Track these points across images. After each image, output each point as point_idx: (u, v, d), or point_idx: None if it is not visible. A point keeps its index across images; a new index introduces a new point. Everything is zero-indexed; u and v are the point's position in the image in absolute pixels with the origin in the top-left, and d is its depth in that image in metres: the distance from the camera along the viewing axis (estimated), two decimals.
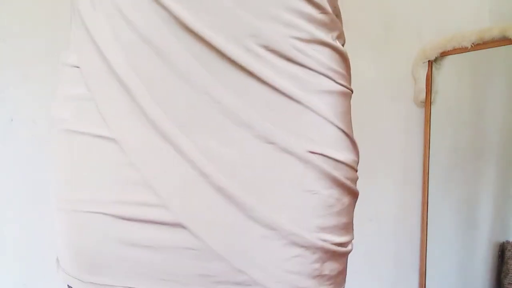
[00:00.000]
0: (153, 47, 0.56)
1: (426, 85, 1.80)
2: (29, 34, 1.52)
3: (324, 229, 0.59)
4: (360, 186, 1.85)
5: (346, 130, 0.62)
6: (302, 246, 0.57)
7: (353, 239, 0.66)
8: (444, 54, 1.80)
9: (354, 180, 0.65)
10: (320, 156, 0.58)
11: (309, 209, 0.58)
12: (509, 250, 1.70)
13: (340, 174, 0.60)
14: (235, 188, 0.55)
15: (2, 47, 1.52)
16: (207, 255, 0.56)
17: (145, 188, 0.55)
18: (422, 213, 1.80)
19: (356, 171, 0.65)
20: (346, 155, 0.61)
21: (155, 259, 0.56)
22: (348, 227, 0.64)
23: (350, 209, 0.64)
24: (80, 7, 0.61)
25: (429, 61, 1.81)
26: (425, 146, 1.80)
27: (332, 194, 0.60)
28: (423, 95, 1.80)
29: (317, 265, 0.58)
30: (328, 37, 0.61)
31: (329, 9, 0.61)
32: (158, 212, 0.55)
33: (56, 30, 1.44)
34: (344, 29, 1.75)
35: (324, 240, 0.59)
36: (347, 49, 1.84)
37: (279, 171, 0.56)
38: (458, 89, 1.86)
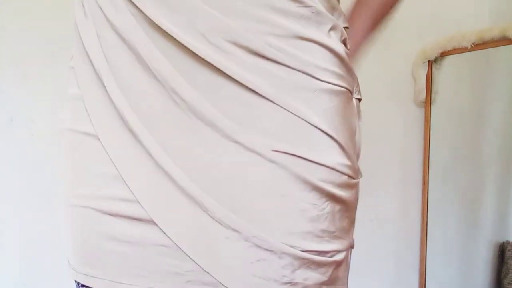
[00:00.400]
0: (130, 47, 0.57)
1: (426, 85, 1.80)
2: (29, 34, 1.52)
3: (293, 234, 0.55)
4: (360, 186, 1.85)
5: (328, 129, 0.57)
6: (267, 250, 0.55)
7: (345, 249, 0.63)
8: (444, 54, 1.80)
9: (343, 185, 0.60)
10: (290, 156, 0.55)
11: (275, 212, 0.55)
12: (509, 250, 1.69)
13: (316, 177, 0.56)
14: (196, 189, 0.54)
15: (2, 47, 1.52)
16: (177, 254, 0.55)
17: (122, 184, 0.57)
18: (422, 213, 1.80)
19: (348, 175, 0.60)
20: (327, 157, 0.57)
21: (133, 254, 0.57)
22: (332, 235, 0.59)
23: (334, 216, 0.59)
24: (75, 13, 0.64)
25: (429, 61, 1.81)
26: (425, 146, 1.80)
27: (304, 198, 0.56)
28: (423, 95, 1.80)
29: (286, 272, 0.55)
30: (312, 32, 0.57)
31: (310, 2, 0.57)
32: (133, 208, 0.56)
33: (56, 30, 1.44)
34: None
35: (292, 246, 0.55)
36: None
37: (245, 171, 0.55)
38: (458, 89, 1.86)
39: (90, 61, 0.59)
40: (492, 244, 1.77)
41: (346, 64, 0.62)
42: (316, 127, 0.56)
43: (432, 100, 1.80)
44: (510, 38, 1.65)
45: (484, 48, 1.74)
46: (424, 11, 1.86)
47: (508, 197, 1.77)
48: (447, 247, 1.84)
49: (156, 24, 0.55)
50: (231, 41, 0.54)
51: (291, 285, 0.56)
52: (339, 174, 0.58)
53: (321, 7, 0.59)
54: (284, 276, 0.55)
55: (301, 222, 0.56)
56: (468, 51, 1.75)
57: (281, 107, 0.55)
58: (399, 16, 1.84)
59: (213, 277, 0.55)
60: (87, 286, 0.59)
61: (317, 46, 0.58)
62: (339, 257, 0.60)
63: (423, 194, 1.80)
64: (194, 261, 0.55)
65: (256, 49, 0.55)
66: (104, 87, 0.58)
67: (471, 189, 1.82)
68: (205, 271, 0.55)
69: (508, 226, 1.76)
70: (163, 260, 0.56)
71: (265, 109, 0.55)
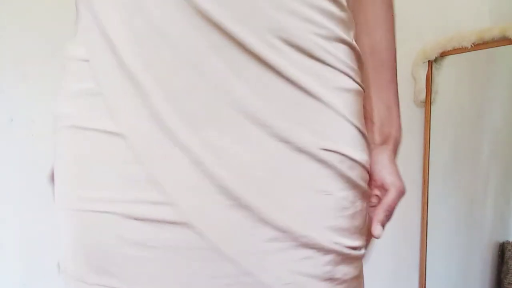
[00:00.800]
0: (167, 38, 0.53)
1: (426, 85, 1.80)
2: (29, 34, 1.52)
3: (336, 231, 0.57)
4: None
5: (362, 128, 0.60)
6: (313, 248, 0.55)
7: (365, 243, 0.64)
8: (444, 54, 1.79)
9: (367, 181, 0.62)
10: (336, 155, 0.56)
11: (321, 211, 0.56)
12: (509, 250, 1.70)
13: (355, 175, 0.58)
14: (243, 190, 0.53)
15: (2, 47, 1.52)
16: (215, 256, 0.54)
17: (151, 185, 0.54)
18: (422, 213, 1.80)
19: (368, 172, 0.63)
20: (361, 155, 0.59)
21: (163, 260, 0.54)
22: (361, 231, 0.61)
23: (363, 213, 0.61)
24: None
25: (429, 61, 1.81)
26: (425, 146, 1.80)
27: (346, 196, 0.58)
28: (423, 95, 1.80)
29: (328, 268, 0.56)
30: (346, 35, 0.60)
31: (347, 7, 0.61)
32: (166, 210, 0.53)
33: (56, 30, 1.44)
34: None
35: (336, 243, 0.56)
36: None
37: (292, 170, 0.54)
38: (458, 89, 1.86)
39: (115, 52, 0.55)
40: (492, 244, 1.77)
41: (363, 67, 0.65)
42: (355, 126, 0.59)
43: (432, 100, 1.80)
44: (510, 38, 1.64)
45: (484, 48, 1.73)
46: (424, 11, 1.86)
47: (508, 197, 1.77)
48: (447, 247, 1.84)
49: (205, 15, 0.52)
50: (283, 38, 0.54)
51: (331, 280, 0.56)
52: (366, 171, 0.61)
53: (350, 13, 0.62)
54: (326, 272, 0.56)
55: (343, 219, 0.57)
56: (468, 51, 1.74)
57: (329, 106, 0.56)
58: (399, 16, 1.84)
59: (257, 277, 0.54)
60: None
61: (350, 49, 0.60)
62: (364, 251, 0.63)
63: (423, 194, 1.80)
64: (237, 262, 0.53)
65: (305, 48, 0.55)
66: (134, 83, 0.54)
67: (471, 189, 1.82)
68: (248, 272, 0.54)
69: (508, 226, 1.77)
70: (196, 264, 0.54)
71: (313, 108, 0.55)
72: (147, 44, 0.54)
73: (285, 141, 0.54)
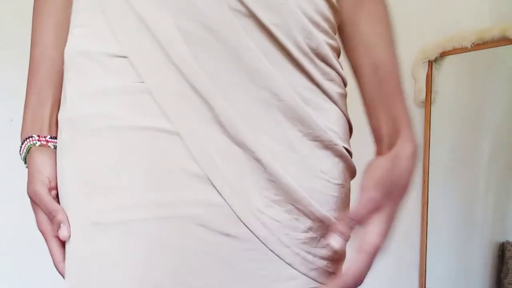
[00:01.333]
0: (218, 38, 0.54)
1: (426, 85, 1.80)
2: (29, 34, 1.52)
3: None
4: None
5: (352, 127, 0.68)
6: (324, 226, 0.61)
7: None
8: (444, 54, 1.80)
9: None
10: (347, 152, 0.63)
11: (339, 201, 0.62)
12: (509, 250, 1.70)
13: (354, 167, 0.66)
14: (294, 186, 0.56)
15: (2, 47, 1.52)
16: (264, 255, 0.56)
17: (208, 185, 0.54)
18: (422, 213, 1.80)
19: None
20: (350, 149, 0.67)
21: (220, 262, 0.55)
22: None
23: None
24: None
25: (429, 61, 1.81)
26: (425, 146, 1.80)
27: (349, 187, 0.65)
28: (423, 95, 1.80)
29: (339, 251, 0.62)
30: (339, 44, 0.66)
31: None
32: (221, 211, 0.54)
33: None
34: None
35: None
36: None
37: (321, 166, 0.59)
38: (458, 89, 1.86)
39: (160, 44, 0.54)
40: (492, 244, 1.77)
41: None
42: (350, 125, 0.67)
43: (432, 100, 1.80)
44: (510, 38, 1.65)
45: (484, 48, 1.74)
46: (424, 11, 1.86)
47: (508, 197, 1.77)
48: (447, 247, 1.84)
49: (258, 19, 0.55)
50: (311, 47, 0.59)
51: (340, 260, 0.63)
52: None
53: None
54: (338, 253, 0.62)
55: (346, 207, 0.64)
56: (468, 51, 1.75)
57: (339, 108, 0.63)
58: (399, 16, 1.84)
59: (295, 269, 0.57)
60: None
61: (337, 55, 0.65)
62: None
63: (423, 194, 1.80)
64: (280, 257, 0.56)
65: (324, 55, 0.60)
66: (186, 81, 0.54)
67: (471, 189, 1.82)
68: (288, 264, 0.57)
69: (508, 226, 1.77)
70: (249, 265, 0.55)
71: (331, 110, 0.61)
72: (197, 43, 0.55)
73: (317, 140, 0.59)
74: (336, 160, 0.61)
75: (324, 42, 0.60)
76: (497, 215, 1.79)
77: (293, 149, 0.57)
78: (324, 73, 0.60)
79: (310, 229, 0.58)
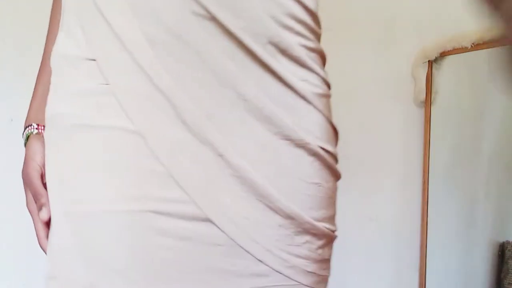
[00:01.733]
0: (182, 41, 0.57)
1: (426, 85, 1.80)
2: (29, 34, 1.52)
3: (327, 218, 0.65)
4: (360, 186, 1.86)
5: (335, 127, 0.69)
6: (311, 233, 0.62)
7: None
8: (444, 54, 1.79)
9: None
10: (323, 151, 0.64)
11: (317, 200, 0.63)
12: (509, 250, 1.70)
13: (336, 166, 0.67)
14: (261, 181, 0.58)
15: (2, 47, 1.52)
16: (233, 251, 0.58)
17: (171, 182, 0.56)
18: (422, 213, 1.80)
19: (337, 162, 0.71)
20: (335, 149, 0.68)
21: (183, 256, 0.57)
22: (335, 216, 0.70)
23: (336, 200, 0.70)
24: None
25: (429, 61, 1.81)
26: (425, 146, 1.80)
27: (331, 186, 0.66)
28: (423, 95, 1.80)
29: (320, 251, 0.64)
30: (319, 45, 0.68)
31: (320, 24, 0.69)
32: (186, 207, 0.56)
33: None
34: (344, 29, 1.77)
35: (328, 228, 0.65)
36: (348, 49, 1.85)
37: (292, 164, 0.61)
38: (458, 89, 1.86)
39: (127, 48, 0.56)
40: (492, 244, 1.77)
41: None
42: (332, 125, 0.67)
43: (432, 100, 1.80)
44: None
45: (484, 48, 1.73)
46: (424, 11, 1.86)
47: (508, 197, 1.77)
48: (447, 247, 1.84)
49: (221, 24, 0.57)
50: (280, 49, 0.61)
51: (322, 261, 0.64)
52: (336, 161, 0.69)
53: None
54: (319, 254, 0.64)
55: (330, 207, 0.66)
56: (468, 51, 1.74)
57: (317, 108, 0.64)
58: (399, 16, 1.85)
59: (267, 265, 0.59)
60: None
61: (321, 57, 0.68)
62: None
63: (423, 194, 1.80)
64: (252, 255, 0.58)
65: (297, 57, 0.62)
66: (150, 82, 0.56)
67: (471, 189, 1.82)
68: (261, 260, 0.58)
69: (508, 226, 1.76)
70: (214, 258, 0.57)
71: (306, 110, 0.63)
72: (161, 47, 0.57)
73: (287, 138, 0.60)
74: (311, 159, 0.62)
75: (297, 44, 0.62)
76: (497, 215, 1.79)
77: (263, 147, 0.59)
78: (296, 74, 0.62)
79: (281, 225, 0.59)
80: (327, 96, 0.67)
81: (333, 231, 0.67)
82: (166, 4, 0.57)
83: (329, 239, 0.66)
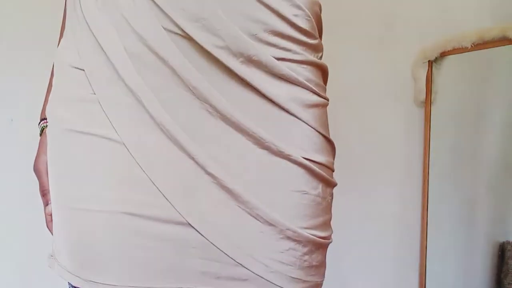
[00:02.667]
0: (159, 58, 0.61)
1: (426, 85, 1.80)
2: (29, 34, 1.52)
3: (313, 224, 0.66)
4: (360, 186, 1.85)
5: (327, 135, 0.70)
6: (295, 240, 0.64)
7: (332, 232, 0.72)
8: (444, 54, 1.79)
9: (332, 176, 0.73)
10: (308, 161, 0.65)
11: (301, 208, 0.65)
12: (509, 250, 1.70)
13: (324, 174, 0.68)
14: (239, 188, 0.61)
15: (2, 48, 1.52)
16: (211, 253, 0.60)
17: (151, 187, 0.60)
18: (422, 213, 1.80)
19: (333, 170, 0.73)
20: (327, 158, 0.69)
21: (160, 256, 0.60)
22: (329, 222, 0.71)
23: (331, 206, 0.71)
24: (83, 6, 0.64)
25: (429, 61, 1.81)
26: (425, 146, 1.80)
27: (319, 193, 0.67)
28: (423, 95, 1.80)
29: (306, 257, 0.65)
30: (315, 57, 0.70)
31: (317, 35, 0.72)
32: (165, 211, 0.60)
33: (57, 31, 1.44)
34: (344, 29, 1.76)
35: (314, 235, 0.66)
36: (348, 49, 1.84)
37: (273, 173, 0.63)
38: (458, 89, 1.85)
39: (111, 62, 0.61)
40: (492, 244, 1.77)
41: (327, 80, 0.76)
42: (322, 135, 0.68)
43: (432, 100, 1.80)
44: (511, 38, 1.64)
45: (484, 48, 1.73)
46: (424, 11, 1.86)
47: (508, 197, 1.77)
48: (447, 247, 1.84)
49: (193, 41, 0.61)
50: (259, 64, 0.63)
51: (309, 268, 0.66)
52: (331, 171, 0.71)
53: (320, 39, 0.73)
54: (305, 261, 0.65)
55: (318, 213, 0.67)
56: (468, 51, 1.74)
57: (301, 120, 0.66)
58: (399, 16, 1.85)
59: (246, 268, 0.61)
60: None
61: (316, 69, 0.70)
62: (331, 239, 0.71)
63: (423, 194, 1.80)
64: (230, 257, 0.61)
65: (278, 72, 0.64)
66: (132, 94, 0.61)
67: (471, 189, 1.82)
68: (239, 264, 0.61)
69: (508, 226, 1.76)
70: (191, 261, 0.61)
71: (288, 122, 0.65)
72: (141, 61, 0.61)
73: (267, 149, 0.63)
74: (294, 168, 0.64)
75: (280, 58, 0.64)
76: (497, 215, 1.79)
77: (243, 156, 0.62)
78: (278, 87, 0.64)
79: (262, 232, 0.61)
80: (318, 106, 0.68)
81: (324, 237, 0.68)
82: (144, 23, 0.61)
83: (317, 245, 0.66)
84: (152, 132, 0.60)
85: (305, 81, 0.66)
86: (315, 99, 0.68)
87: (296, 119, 0.65)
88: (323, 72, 0.73)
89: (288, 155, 0.63)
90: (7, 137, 1.51)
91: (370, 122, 1.81)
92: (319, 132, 0.68)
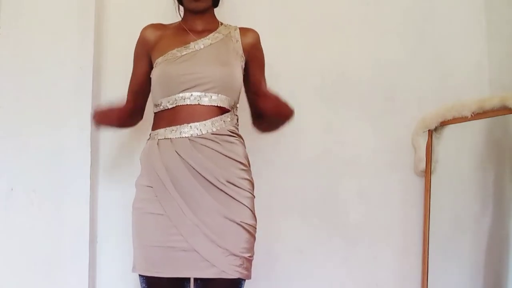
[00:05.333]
0: (177, 175, 1.26)
1: (426, 154, 1.80)
2: (30, 105, 1.54)
3: (245, 248, 1.27)
4: (360, 255, 1.82)
5: (253, 210, 1.32)
6: (238, 256, 1.25)
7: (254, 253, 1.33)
8: (444, 124, 1.80)
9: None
10: (247, 224, 1.27)
11: (241, 241, 1.27)
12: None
13: (254, 232, 1.32)
14: (213, 235, 1.24)
15: (2, 117, 1.53)
16: (204, 261, 1.23)
17: (180, 236, 1.24)
18: (422, 283, 1.78)
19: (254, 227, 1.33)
20: (254, 222, 1.30)
21: (177, 261, 1.24)
22: (252, 249, 1.31)
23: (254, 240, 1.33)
24: (149, 148, 1.33)
25: (429, 130, 1.81)
26: (425, 216, 1.79)
27: (248, 237, 1.29)
28: (423, 165, 1.80)
29: (242, 263, 1.26)
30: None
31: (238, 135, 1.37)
32: (185, 244, 1.23)
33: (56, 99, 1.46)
34: (345, 99, 1.80)
35: (247, 254, 1.28)
36: (349, 119, 1.84)
37: (228, 229, 1.25)
38: (459, 158, 1.86)
39: (158, 175, 1.27)
40: None
41: None
42: (252, 211, 1.33)
43: (432, 170, 1.80)
44: (510, 108, 1.64)
45: (484, 118, 1.74)
46: (424, 81, 1.87)
47: (508, 267, 1.75)
48: None
49: (194, 169, 1.26)
50: (227, 181, 1.28)
51: (244, 268, 1.26)
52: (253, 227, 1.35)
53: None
54: (241, 264, 1.25)
55: (249, 245, 1.30)
56: (468, 120, 1.74)
57: (244, 205, 1.29)
58: (400, 86, 1.86)
59: (217, 268, 1.23)
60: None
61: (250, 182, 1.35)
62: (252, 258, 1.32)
63: (423, 263, 1.78)
64: (212, 263, 1.23)
65: (235, 183, 1.28)
66: (168, 189, 1.26)
67: (471, 259, 1.81)
68: (214, 265, 1.23)
69: None
70: (191, 264, 1.24)
71: (238, 205, 1.28)
72: (170, 173, 1.27)
73: (225, 217, 1.25)
74: (239, 228, 1.27)
75: (237, 177, 1.30)
76: (497, 286, 1.77)
77: (213, 220, 1.25)
78: (238, 193, 1.29)
79: (224, 254, 1.26)
80: (252, 198, 1.31)
81: (251, 256, 1.29)
82: (170, 156, 1.29)
83: (247, 260, 1.28)
84: (180, 211, 1.24)
85: (245, 186, 1.31)
86: (251, 189, 1.33)
87: (242, 204, 1.28)
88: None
89: (236, 220, 1.26)
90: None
91: (370, 191, 1.80)
92: (250, 210, 1.30)
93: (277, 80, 1.74)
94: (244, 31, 1.40)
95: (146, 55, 1.37)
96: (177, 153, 1.25)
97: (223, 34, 1.36)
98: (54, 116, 1.53)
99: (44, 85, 1.54)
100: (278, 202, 1.71)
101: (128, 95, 1.40)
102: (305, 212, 1.77)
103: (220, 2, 1.40)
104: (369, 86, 1.84)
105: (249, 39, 1.39)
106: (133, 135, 1.63)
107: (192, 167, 1.24)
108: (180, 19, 1.41)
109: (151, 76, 1.35)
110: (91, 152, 1.55)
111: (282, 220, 1.73)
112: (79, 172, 1.53)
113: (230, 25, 1.40)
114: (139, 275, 1.28)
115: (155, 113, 1.34)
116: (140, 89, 1.39)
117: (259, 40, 1.40)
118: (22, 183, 1.51)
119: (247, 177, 1.31)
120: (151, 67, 1.36)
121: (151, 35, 1.37)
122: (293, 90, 1.76)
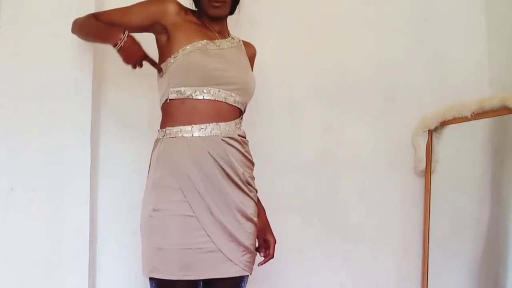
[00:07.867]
0: (208, 174, 1.25)
1: (426, 154, 1.80)
2: (29, 105, 1.54)
3: (253, 244, 1.34)
4: (360, 255, 1.83)
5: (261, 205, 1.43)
6: (252, 253, 1.31)
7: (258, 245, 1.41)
8: (444, 124, 1.80)
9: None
10: (254, 217, 1.32)
11: (253, 237, 1.33)
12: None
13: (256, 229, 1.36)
14: (235, 235, 1.26)
15: (1, 117, 1.53)
16: (227, 261, 1.25)
17: (207, 237, 1.23)
18: (422, 283, 1.78)
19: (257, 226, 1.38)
20: (256, 218, 1.36)
21: (205, 262, 1.23)
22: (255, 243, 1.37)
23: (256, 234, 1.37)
24: (178, 149, 1.28)
25: (429, 130, 1.82)
26: (425, 215, 1.80)
27: (254, 231, 1.34)
28: (423, 165, 1.80)
29: (251, 259, 1.31)
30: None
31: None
32: (211, 245, 1.23)
33: (55, 104, 1.46)
34: (345, 99, 1.80)
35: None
36: (349, 119, 1.85)
37: (245, 227, 1.29)
38: (458, 158, 1.86)
39: (193, 183, 1.24)
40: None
41: None
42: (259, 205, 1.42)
43: (432, 169, 1.80)
44: (510, 108, 1.64)
45: (484, 118, 1.74)
46: (424, 81, 1.88)
47: (507, 267, 1.75)
48: None
49: (224, 170, 1.27)
50: (244, 180, 1.31)
51: (250, 263, 1.31)
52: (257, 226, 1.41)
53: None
54: (249, 260, 1.30)
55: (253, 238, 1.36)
56: (468, 120, 1.75)
57: (253, 200, 1.34)
58: (400, 85, 1.86)
59: (233, 262, 1.25)
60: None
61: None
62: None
63: (423, 263, 1.79)
64: (232, 261, 1.25)
65: (248, 183, 1.33)
66: (201, 196, 1.24)
67: (471, 259, 1.81)
68: (231, 261, 1.25)
69: None
70: (217, 263, 1.24)
71: (250, 200, 1.32)
72: (201, 177, 1.25)
73: (245, 217, 1.30)
74: (250, 224, 1.31)
75: (249, 177, 1.34)
76: (496, 286, 1.77)
77: (233, 218, 1.27)
78: (250, 190, 1.33)
79: (241, 250, 1.29)
80: (256, 195, 1.36)
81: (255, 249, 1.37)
82: (203, 156, 1.26)
83: (253, 254, 1.33)
84: (208, 212, 1.24)
85: (254, 185, 1.37)
86: (256, 192, 1.38)
87: (252, 200, 1.33)
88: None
89: (250, 216, 1.30)
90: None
91: (370, 191, 1.80)
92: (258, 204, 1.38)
93: (277, 80, 1.74)
94: (246, 44, 1.41)
95: (156, 17, 1.29)
96: (209, 153, 1.24)
97: (236, 41, 1.37)
98: (54, 116, 1.52)
99: (44, 85, 1.52)
100: (278, 202, 1.71)
101: (116, 25, 1.28)
102: (305, 212, 1.77)
103: (236, 10, 1.39)
104: (369, 86, 1.84)
105: (251, 52, 1.41)
106: (134, 134, 1.62)
107: (222, 167, 1.25)
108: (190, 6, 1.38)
109: (174, 60, 1.26)
110: (91, 152, 1.54)
111: (282, 220, 1.73)
112: (79, 172, 1.52)
113: (234, 35, 1.40)
114: (151, 278, 1.24)
115: (169, 102, 1.28)
116: (127, 29, 1.23)
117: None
118: (22, 183, 1.50)
119: (254, 176, 1.35)
120: (149, 28, 1.31)
121: (173, 9, 1.30)
122: (293, 90, 1.76)
